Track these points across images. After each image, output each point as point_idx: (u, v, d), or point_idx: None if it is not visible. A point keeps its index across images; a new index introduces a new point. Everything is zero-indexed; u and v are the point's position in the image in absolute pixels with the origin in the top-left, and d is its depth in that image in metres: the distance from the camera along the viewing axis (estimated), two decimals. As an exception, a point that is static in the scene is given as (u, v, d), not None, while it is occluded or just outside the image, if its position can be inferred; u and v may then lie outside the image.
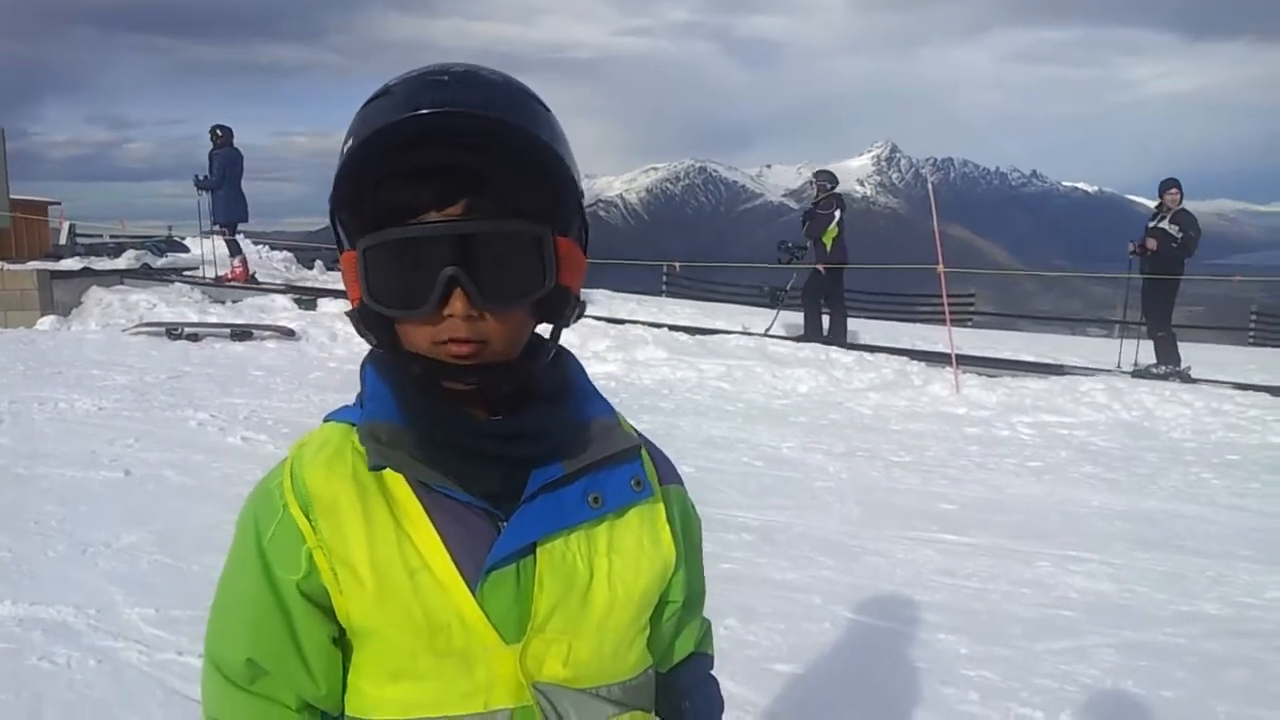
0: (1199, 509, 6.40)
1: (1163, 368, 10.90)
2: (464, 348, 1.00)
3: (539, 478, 1.06)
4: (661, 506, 1.17)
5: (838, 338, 12.60)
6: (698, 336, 11.98)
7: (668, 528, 1.16)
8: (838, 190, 13.04)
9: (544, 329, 1.13)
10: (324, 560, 1.04)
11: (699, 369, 10.68)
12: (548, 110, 1.05)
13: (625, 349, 11.20)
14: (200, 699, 1.14)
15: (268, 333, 11.77)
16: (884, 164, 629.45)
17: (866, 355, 11.29)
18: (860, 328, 14.51)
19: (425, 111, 0.96)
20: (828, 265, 12.46)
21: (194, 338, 11.57)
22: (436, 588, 1.03)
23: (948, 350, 10.55)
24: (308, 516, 1.05)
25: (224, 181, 14.15)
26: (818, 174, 13.21)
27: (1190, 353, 11.35)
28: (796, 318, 13.32)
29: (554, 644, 1.06)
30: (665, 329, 12.22)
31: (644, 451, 1.18)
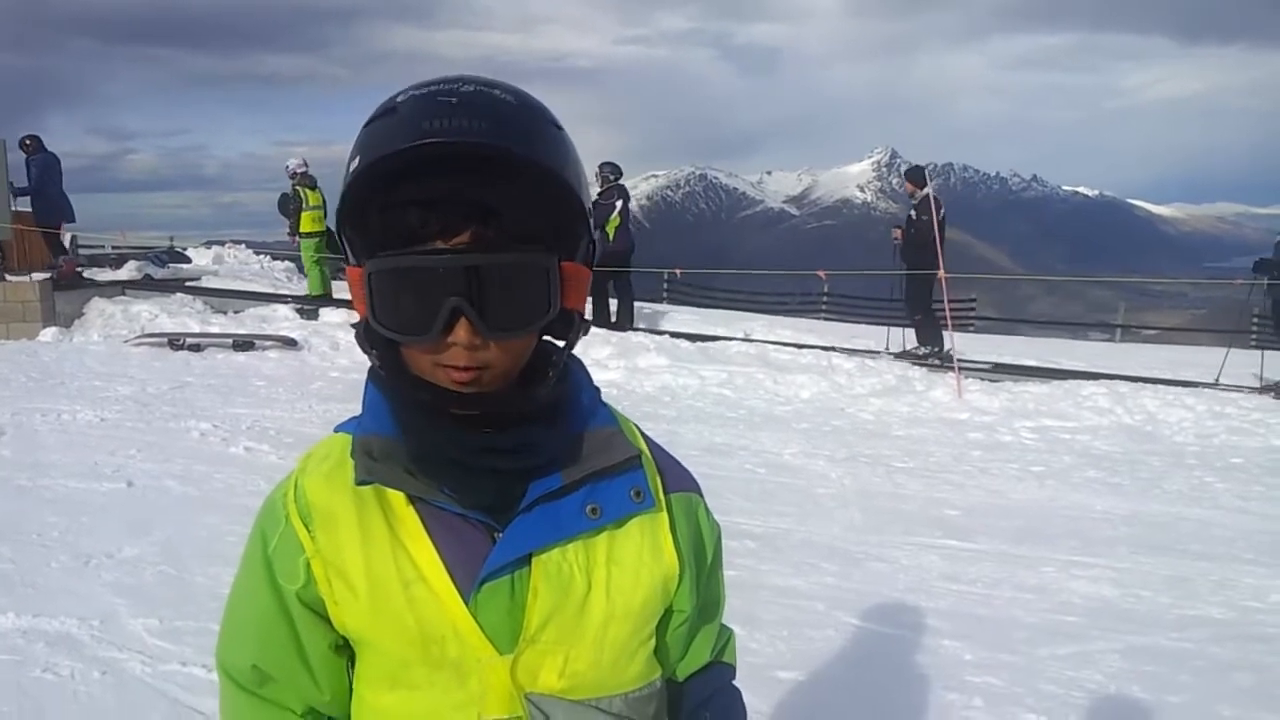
0: (1203, 512, 6.39)
1: (924, 349, 11.43)
2: (465, 374, 1.00)
3: (536, 489, 1.06)
4: (664, 516, 1.15)
5: (624, 323, 13.01)
6: (699, 343, 11.97)
7: (670, 538, 1.15)
8: (623, 182, 13.36)
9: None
10: (320, 570, 1.07)
11: (700, 376, 10.68)
12: (559, 129, 1.03)
13: (627, 356, 11.20)
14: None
15: (270, 343, 11.77)
16: (884, 170, 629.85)
17: (868, 361, 11.28)
18: (862, 333, 14.52)
19: (433, 141, 0.94)
20: (609, 253, 12.54)
21: (196, 348, 11.58)
22: (431, 599, 1.04)
23: (955, 355, 10.54)
24: (307, 527, 1.08)
25: (43, 186, 14.28)
26: (601, 166, 13.31)
27: (1192, 355, 11.32)
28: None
29: (549, 655, 1.06)
30: (667, 336, 12.21)
31: (647, 461, 1.16)
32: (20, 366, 10.20)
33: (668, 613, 1.19)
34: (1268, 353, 11.37)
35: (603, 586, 1.08)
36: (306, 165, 14.49)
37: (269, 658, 1.10)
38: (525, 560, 1.05)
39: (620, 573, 1.10)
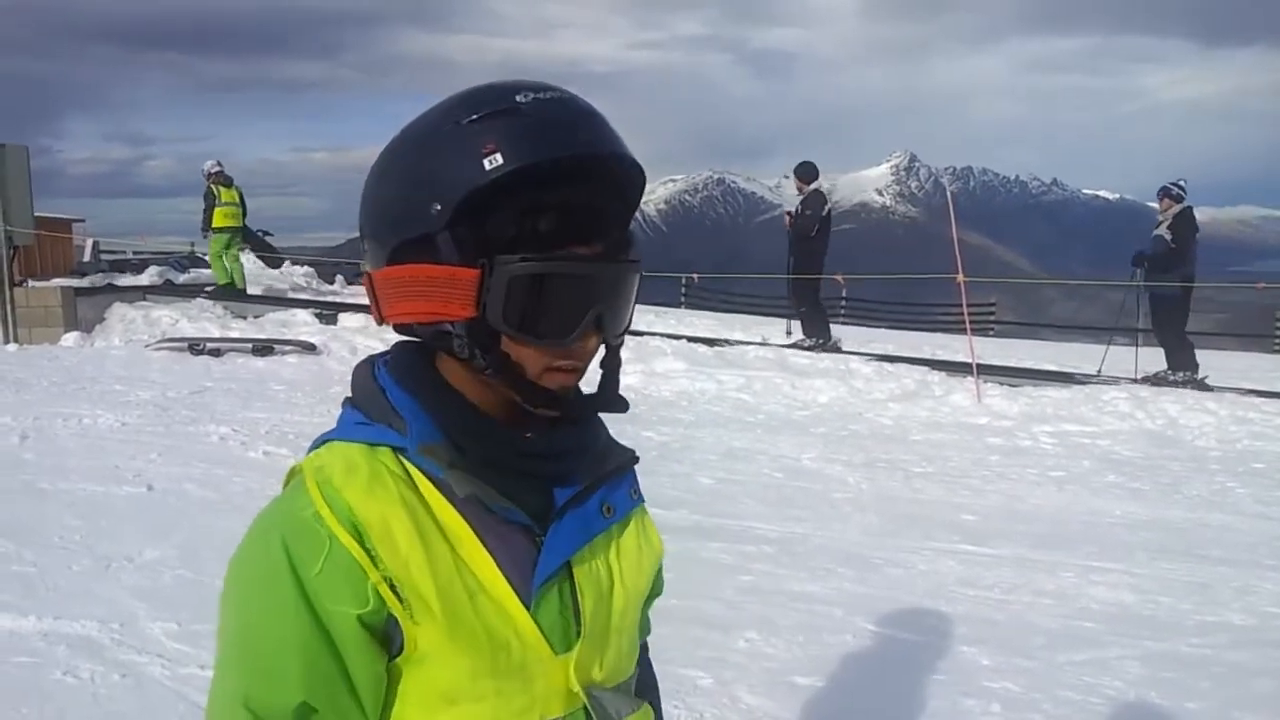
0: (1224, 518, 6.34)
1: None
2: (573, 377, 1.04)
3: (564, 493, 1.09)
4: (646, 509, 1.24)
5: None
6: (717, 348, 11.97)
7: (653, 527, 1.24)
8: None
9: None
10: (389, 591, 0.99)
11: (718, 380, 10.67)
12: None
13: (644, 361, 11.20)
14: None
15: (289, 347, 11.83)
16: (903, 173, 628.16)
17: (887, 366, 11.25)
18: (881, 337, 14.49)
19: (602, 153, 1.00)
20: None
21: (216, 353, 11.65)
22: (494, 608, 1.03)
23: (969, 360, 10.51)
24: (363, 545, 0.99)
25: None
26: None
27: (1214, 360, 11.25)
28: None
29: (595, 649, 1.10)
30: (684, 340, 12.21)
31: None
32: (42, 371, 10.29)
33: (648, 595, 1.28)
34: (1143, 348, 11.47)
35: (620, 579, 1.15)
36: (221, 166, 15.15)
37: (317, 692, 0.99)
38: (565, 562, 1.09)
39: (628, 564, 1.17)
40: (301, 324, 13.08)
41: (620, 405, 1.11)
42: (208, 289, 15.10)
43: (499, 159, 0.96)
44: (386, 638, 1.01)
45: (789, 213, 12.38)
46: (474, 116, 0.99)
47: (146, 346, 12.04)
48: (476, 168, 0.96)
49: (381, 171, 1.07)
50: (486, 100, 1.00)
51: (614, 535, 1.16)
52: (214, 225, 15.06)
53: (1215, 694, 3.78)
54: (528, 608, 1.04)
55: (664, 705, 1.36)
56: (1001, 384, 10.60)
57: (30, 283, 14.21)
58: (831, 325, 12.98)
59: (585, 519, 1.10)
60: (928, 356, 12.17)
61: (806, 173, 12.26)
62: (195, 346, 11.78)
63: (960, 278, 11.09)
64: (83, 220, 24.10)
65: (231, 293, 14.82)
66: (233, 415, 8.26)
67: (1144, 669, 3.97)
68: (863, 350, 12.12)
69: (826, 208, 12.33)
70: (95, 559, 4.82)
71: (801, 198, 12.21)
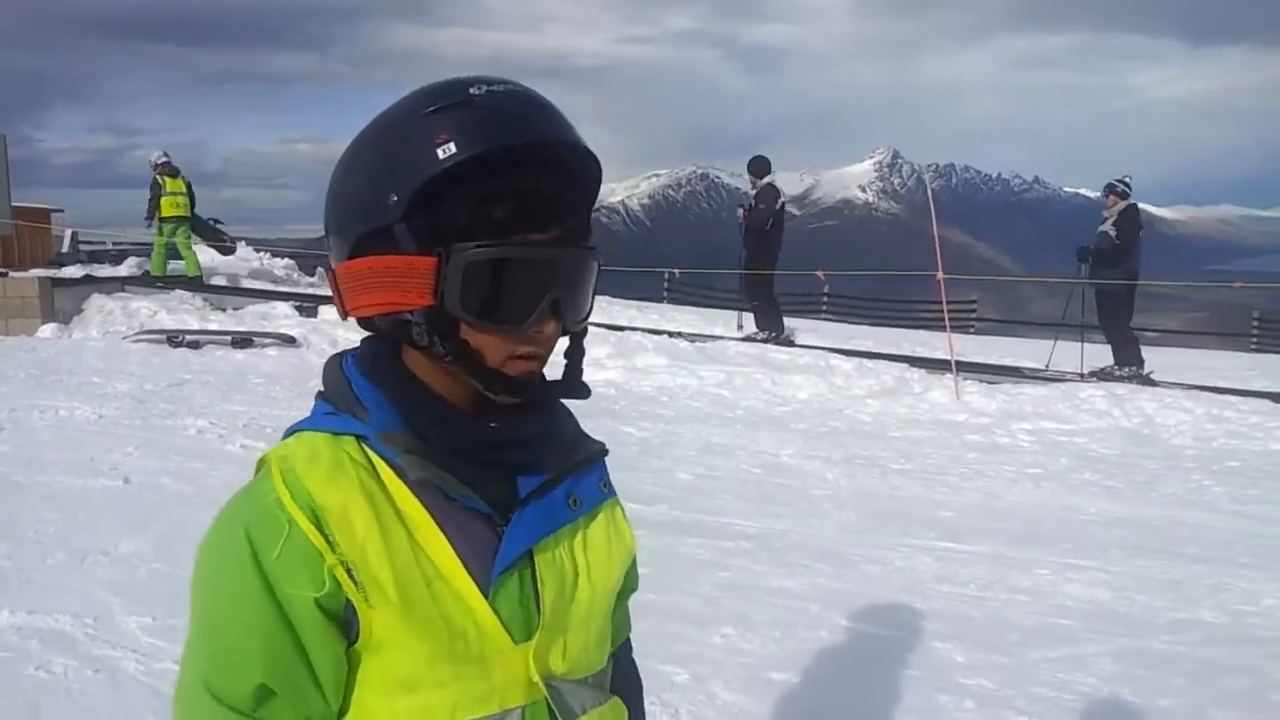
0: (1199, 515, 6.39)
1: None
2: (534, 364, 1.06)
3: (527, 483, 1.10)
4: (619, 503, 1.25)
5: None
6: (698, 343, 11.98)
7: (625, 521, 1.25)
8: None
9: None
10: (345, 575, 1.01)
11: (699, 376, 10.67)
12: None
13: (625, 356, 11.19)
14: None
15: (268, 340, 11.77)
16: (885, 170, 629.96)
17: (867, 362, 11.27)
18: (861, 333, 14.55)
19: (552, 139, 1.02)
20: None
21: (195, 345, 11.58)
22: (452, 595, 1.04)
23: (948, 357, 10.56)
24: (321, 530, 1.01)
25: None
26: None
27: (1191, 358, 11.34)
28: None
29: (555, 640, 1.11)
30: (665, 336, 12.22)
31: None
32: (19, 363, 10.20)
33: (622, 590, 1.28)
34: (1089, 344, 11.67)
35: (586, 572, 1.15)
36: (168, 157, 15.31)
37: (277, 675, 1.01)
38: (527, 551, 1.09)
39: (596, 557, 1.17)
40: (282, 316, 13.02)
41: (582, 392, 1.13)
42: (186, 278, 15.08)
43: (452, 148, 0.98)
44: (345, 623, 1.03)
45: (743, 207, 12.61)
46: (430, 109, 1.02)
47: (124, 338, 11.95)
48: (431, 158, 0.99)
49: (344, 166, 1.10)
50: (442, 94, 1.03)
51: (581, 527, 1.17)
52: (162, 215, 15.25)
53: (1188, 691, 3.81)
54: (486, 596, 1.05)
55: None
56: (980, 381, 10.66)
57: (10, 273, 14.11)
58: (816, 320, 13.09)
59: (549, 509, 1.11)
60: (907, 353, 12.23)
61: (760, 167, 12.46)
62: (174, 339, 11.71)
63: (940, 275, 11.13)
64: (61, 210, 23.93)
65: (195, 283, 15.00)
66: (211, 408, 8.22)
67: (1118, 666, 4.00)
68: (843, 347, 12.16)
69: (780, 201, 12.58)
70: (70, 552, 4.79)
71: (755, 191, 12.46)
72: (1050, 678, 3.86)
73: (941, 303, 11.44)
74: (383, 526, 1.03)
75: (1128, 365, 11.03)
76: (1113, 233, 11.03)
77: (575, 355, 1.15)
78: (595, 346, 11.35)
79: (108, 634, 3.89)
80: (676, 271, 22.11)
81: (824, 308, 20.91)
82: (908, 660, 4.00)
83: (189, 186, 15.43)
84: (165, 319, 12.71)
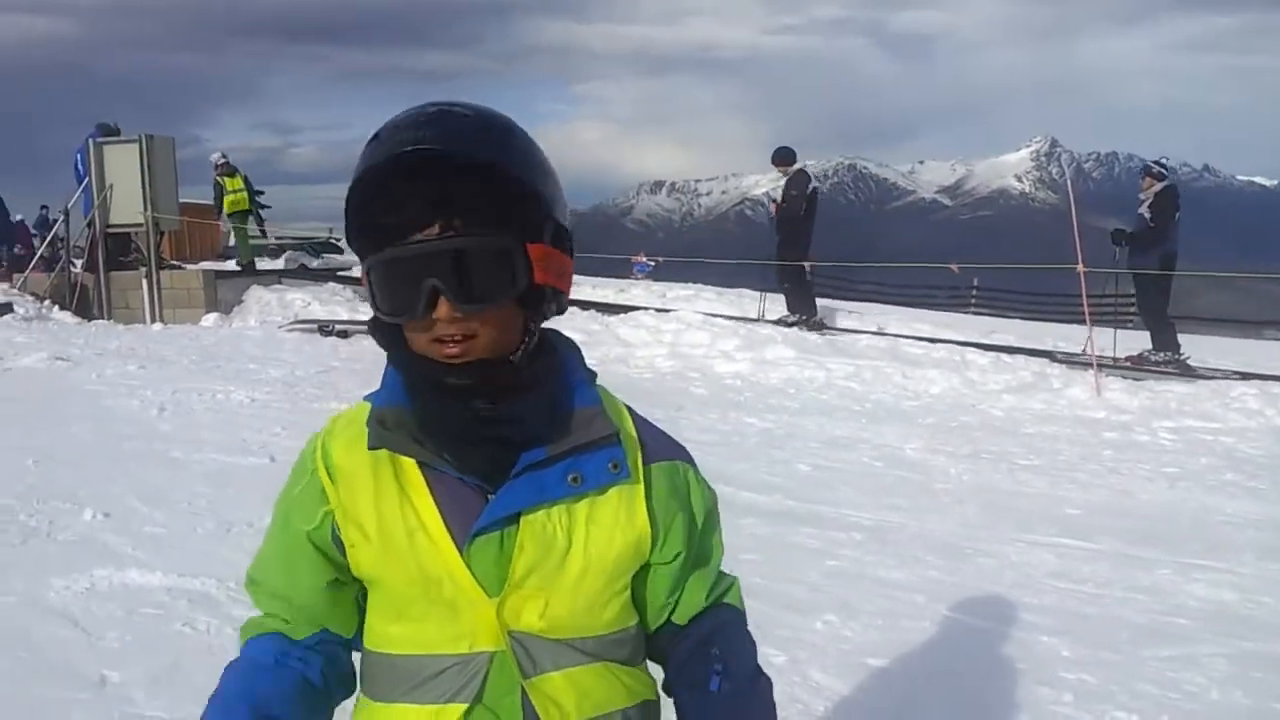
0: (1348, 521, 6.07)
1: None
2: (453, 347, 1.17)
3: (525, 459, 1.23)
4: (640, 487, 1.31)
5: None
6: (827, 335, 11.93)
7: (644, 505, 1.31)
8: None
9: (557, 322, 1.31)
10: (340, 519, 1.28)
11: (827, 368, 10.64)
12: (511, 131, 1.21)
13: (753, 348, 11.24)
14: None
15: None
16: (1043, 159, 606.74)
17: (1004, 357, 11.03)
18: (1003, 327, 14.21)
19: (404, 151, 1.13)
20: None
21: (344, 334, 12.18)
22: (430, 546, 1.23)
23: (1092, 352, 10.26)
24: (332, 481, 1.28)
25: None
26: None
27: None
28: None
29: (531, 599, 1.24)
30: (795, 328, 12.20)
31: (627, 437, 1.32)
32: (183, 349, 10.95)
33: (646, 568, 1.34)
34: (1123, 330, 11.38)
35: (581, 544, 1.26)
36: (226, 158, 16.38)
37: (283, 582, 1.34)
38: (515, 519, 1.23)
39: (598, 532, 1.27)
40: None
41: (510, 372, 1.22)
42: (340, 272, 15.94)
43: (354, 179, 1.18)
44: (336, 557, 1.30)
45: (773, 200, 12.80)
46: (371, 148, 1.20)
47: (280, 327, 12.67)
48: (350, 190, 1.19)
49: None
50: (371, 135, 1.21)
51: (587, 504, 1.27)
52: (227, 211, 16.43)
53: (1307, 696, 3.67)
54: (461, 552, 1.22)
55: None
56: (1124, 378, 10.31)
57: (184, 266, 15.13)
58: (973, 315, 12.85)
59: (542, 482, 1.24)
60: (1050, 348, 11.87)
61: (785, 156, 12.62)
62: (325, 328, 12.34)
63: (1081, 268, 10.81)
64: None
65: (248, 268, 16.18)
66: (354, 393, 8.57)
67: (1232, 667, 3.87)
68: (982, 341, 11.90)
69: (811, 186, 12.78)
70: (219, 523, 5.17)
71: (785, 179, 12.60)
72: (1159, 675, 3.77)
73: (1081, 295, 11.09)
74: (378, 484, 1.25)
75: (1165, 350, 10.82)
76: (1148, 215, 10.76)
77: (528, 337, 1.23)
78: (723, 339, 11.43)
79: (247, 597, 4.19)
80: (813, 265, 21.85)
81: (973, 301, 20.41)
82: (1010, 653, 3.97)
83: (247, 182, 16.58)
84: (317, 310, 13.40)
